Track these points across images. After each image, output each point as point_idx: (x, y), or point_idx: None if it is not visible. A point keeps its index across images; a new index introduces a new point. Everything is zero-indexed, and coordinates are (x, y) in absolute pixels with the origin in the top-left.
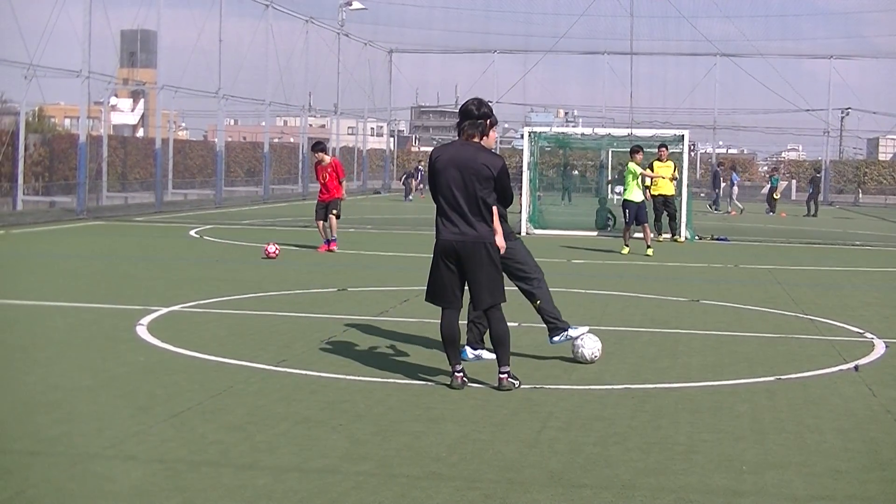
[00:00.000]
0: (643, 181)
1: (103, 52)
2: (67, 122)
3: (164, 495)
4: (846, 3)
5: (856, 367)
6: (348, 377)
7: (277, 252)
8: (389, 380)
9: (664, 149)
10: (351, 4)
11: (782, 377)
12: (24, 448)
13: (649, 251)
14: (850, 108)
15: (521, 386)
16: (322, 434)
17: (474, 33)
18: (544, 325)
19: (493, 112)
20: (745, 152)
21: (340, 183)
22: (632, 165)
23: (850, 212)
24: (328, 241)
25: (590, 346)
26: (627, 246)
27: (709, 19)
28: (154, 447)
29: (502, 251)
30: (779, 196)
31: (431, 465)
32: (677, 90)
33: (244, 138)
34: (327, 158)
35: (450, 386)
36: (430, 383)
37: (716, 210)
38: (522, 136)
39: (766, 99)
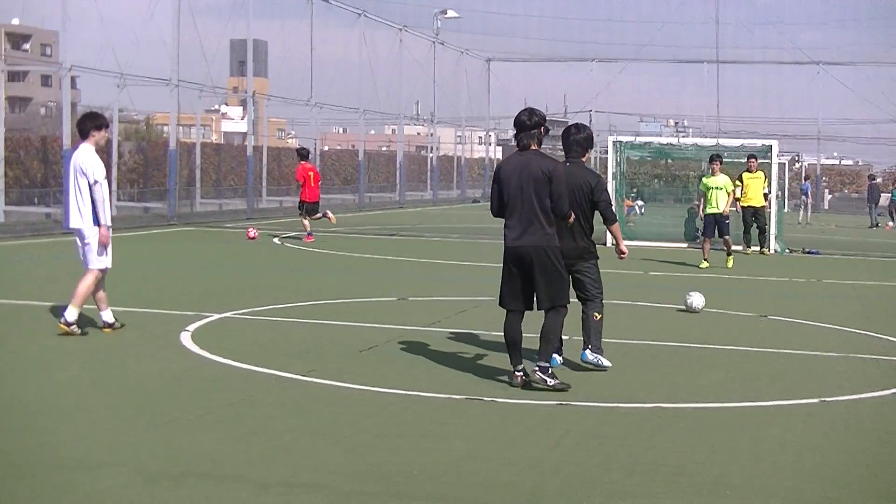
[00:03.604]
0: (710, 194)
1: (213, 62)
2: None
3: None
4: None
5: None
6: (374, 389)
7: (257, 235)
8: (411, 392)
9: (753, 159)
10: (445, 13)
11: (828, 399)
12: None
13: (703, 264)
14: None
15: (553, 386)
16: (317, 447)
17: (572, 42)
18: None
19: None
20: (861, 163)
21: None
22: (706, 179)
23: None
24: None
25: (698, 300)
26: (706, 260)
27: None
28: (134, 456)
29: (625, 256)
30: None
31: (426, 484)
32: (779, 99)
33: (353, 146)
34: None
35: (509, 383)
36: (453, 398)
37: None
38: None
39: (869, 110)
